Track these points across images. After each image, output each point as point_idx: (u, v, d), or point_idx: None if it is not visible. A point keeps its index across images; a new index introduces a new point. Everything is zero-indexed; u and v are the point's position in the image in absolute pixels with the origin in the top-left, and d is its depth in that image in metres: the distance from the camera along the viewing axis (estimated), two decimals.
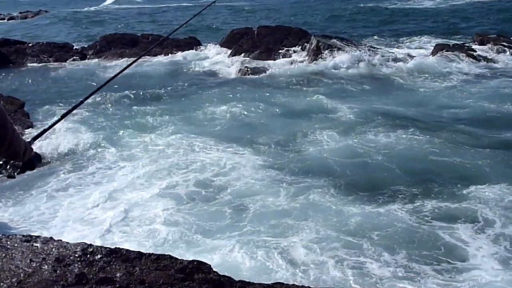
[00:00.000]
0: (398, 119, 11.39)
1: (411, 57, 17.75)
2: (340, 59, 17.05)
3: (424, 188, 7.91)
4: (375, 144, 9.75)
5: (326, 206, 7.38)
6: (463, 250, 6.30)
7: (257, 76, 16.51)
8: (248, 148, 9.84)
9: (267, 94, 14.15)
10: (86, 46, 22.62)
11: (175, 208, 7.44)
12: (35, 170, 8.22)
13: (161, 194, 7.90)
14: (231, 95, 13.89)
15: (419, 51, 19.17)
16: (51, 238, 4.30)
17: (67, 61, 20.36)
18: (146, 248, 6.24)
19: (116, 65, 19.02)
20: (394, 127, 10.67)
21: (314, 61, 17.42)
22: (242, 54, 19.09)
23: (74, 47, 22.32)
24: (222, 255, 6.15)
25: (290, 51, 18.77)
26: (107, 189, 8.18)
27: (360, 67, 16.70)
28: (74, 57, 20.82)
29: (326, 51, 17.61)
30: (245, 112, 12.18)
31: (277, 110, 12.46)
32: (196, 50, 21.01)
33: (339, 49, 17.69)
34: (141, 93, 14.46)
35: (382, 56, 17.61)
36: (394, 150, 9.48)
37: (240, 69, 17.42)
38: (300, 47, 19.03)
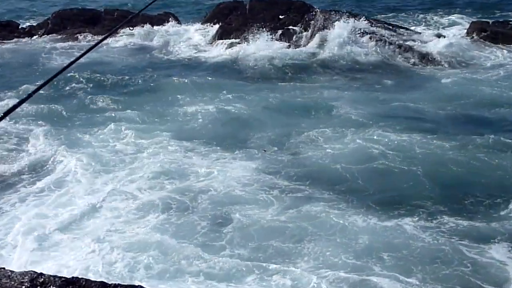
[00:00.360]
0: (422, 119, 11.61)
1: (440, 38, 17.91)
2: (351, 41, 17.20)
3: (451, 201, 8.12)
4: (392, 147, 9.96)
5: (329, 221, 7.57)
6: (498, 271, 6.49)
7: (247, 63, 16.64)
8: (234, 150, 10.07)
9: (259, 85, 14.34)
10: (35, 24, 22.66)
11: (146, 225, 7.61)
12: None
13: (130, 208, 8.08)
14: (215, 86, 14.05)
15: (450, 31, 19.38)
16: None
17: (11, 43, 20.39)
18: (111, 276, 6.39)
19: (72, 47, 19.11)
20: (416, 128, 10.89)
21: (319, 44, 17.57)
22: (232, 35, 19.21)
23: (20, 26, 22.36)
24: (202, 284, 6.29)
25: (290, 31, 18.91)
26: (67, 201, 8.38)
27: (375, 51, 16.88)
28: (21, 38, 20.87)
29: (334, 31, 17.75)
30: (231, 107, 12.39)
31: (271, 105, 12.68)
32: (173, 29, 21.10)
33: (350, 28, 17.84)
34: (104, 84, 14.58)
35: (403, 36, 17.79)
36: (416, 155, 9.67)
37: (227, 53, 17.55)
38: (302, 25, 19.17)
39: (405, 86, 14.32)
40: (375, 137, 10.39)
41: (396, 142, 10.16)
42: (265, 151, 10.05)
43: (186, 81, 14.60)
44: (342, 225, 7.46)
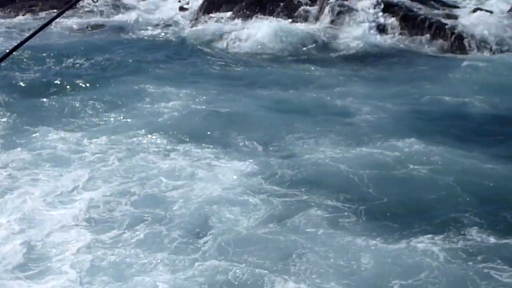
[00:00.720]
0: (457, 117, 11.90)
1: (480, 15, 18.07)
2: (370, 19, 17.42)
3: (481, 218, 8.26)
4: (415, 152, 10.15)
5: (326, 237, 7.73)
6: None
7: (238, 45, 16.85)
8: (218, 151, 10.36)
9: (251, 73, 14.68)
10: None
11: (108, 239, 7.84)
12: None
13: (90, 218, 8.33)
14: (196, 75, 14.33)
15: (491, 6, 19.45)
16: None
17: None
18: None
19: (19, 26, 19.39)
20: (449, 129, 11.21)
21: (330, 21, 17.76)
22: (220, 8, 19.32)
23: None
24: None
25: (294, 3, 19.00)
26: (15, 210, 8.58)
27: (401, 32, 17.09)
28: None
29: (349, 4, 17.95)
30: (215, 101, 12.67)
31: (264, 99, 12.95)
32: (145, 1, 21.27)
33: (370, 1, 18.08)
34: (57, 72, 14.80)
35: (436, 11, 17.98)
36: (445, 162, 9.83)
37: (213, 32, 17.81)
38: None
39: (437, 76, 14.55)
40: (393, 140, 10.61)
41: (420, 145, 10.35)
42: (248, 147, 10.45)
43: (160, 68, 14.78)
44: (343, 242, 7.62)
